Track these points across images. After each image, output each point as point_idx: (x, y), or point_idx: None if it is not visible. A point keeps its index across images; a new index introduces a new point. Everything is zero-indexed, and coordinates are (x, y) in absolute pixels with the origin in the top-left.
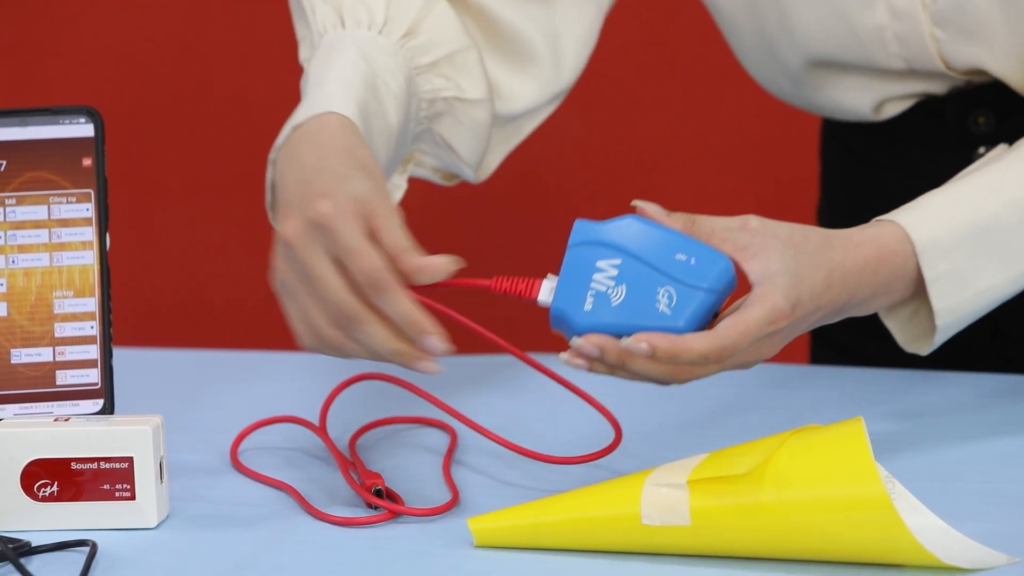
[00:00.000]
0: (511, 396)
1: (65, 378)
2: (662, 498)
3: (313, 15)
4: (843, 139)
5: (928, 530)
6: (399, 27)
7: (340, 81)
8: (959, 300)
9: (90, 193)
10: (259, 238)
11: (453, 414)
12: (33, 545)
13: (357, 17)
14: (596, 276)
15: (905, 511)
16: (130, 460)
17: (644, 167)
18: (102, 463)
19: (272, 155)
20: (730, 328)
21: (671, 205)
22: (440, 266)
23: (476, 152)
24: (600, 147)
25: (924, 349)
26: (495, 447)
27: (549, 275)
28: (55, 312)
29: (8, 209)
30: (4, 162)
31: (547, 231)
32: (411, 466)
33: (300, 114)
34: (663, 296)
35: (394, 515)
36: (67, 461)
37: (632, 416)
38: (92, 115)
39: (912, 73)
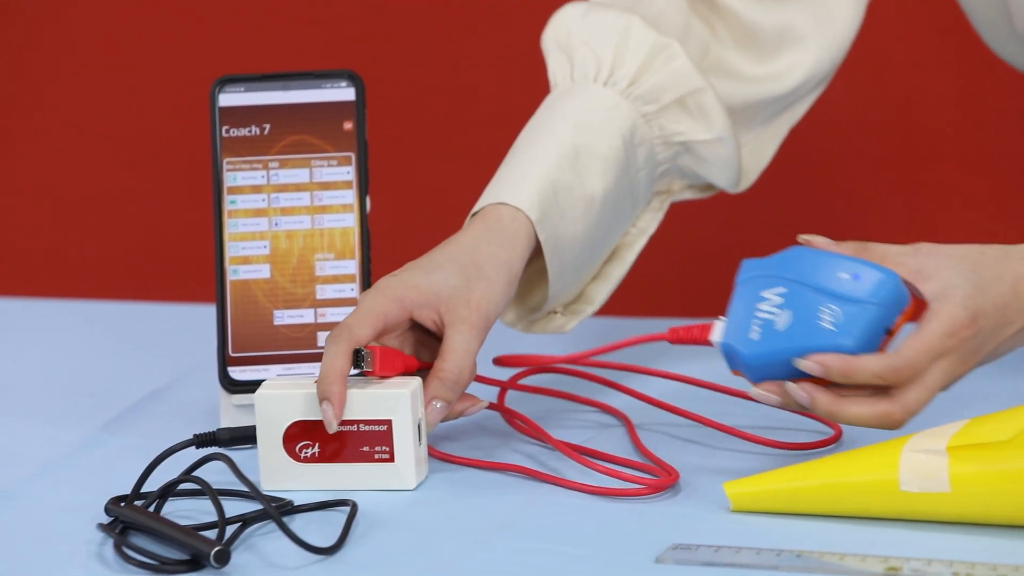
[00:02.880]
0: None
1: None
2: (921, 464)
3: (548, 62)
4: None
5: None
6: (624, 77)
7: (531, 167)
8: None
9: (351, 156)
10: None
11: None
12: (295, 504)
13: (585, 68)
14: (760, 306)
15: None
16: (388, 423)
17: (893, 146)
18: (361, 425)
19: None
20: (906, 346)
21: (927, 179)
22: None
23: (729, 179)
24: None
25: None
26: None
27: (720, 316)
28: (316, 274)
29: (271, 172)
30: (268, 125)
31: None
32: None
33: (484, 198)
34: (827, 315)
35: (666, 485)
36: None
37: None
38: (353, 79)
39: None
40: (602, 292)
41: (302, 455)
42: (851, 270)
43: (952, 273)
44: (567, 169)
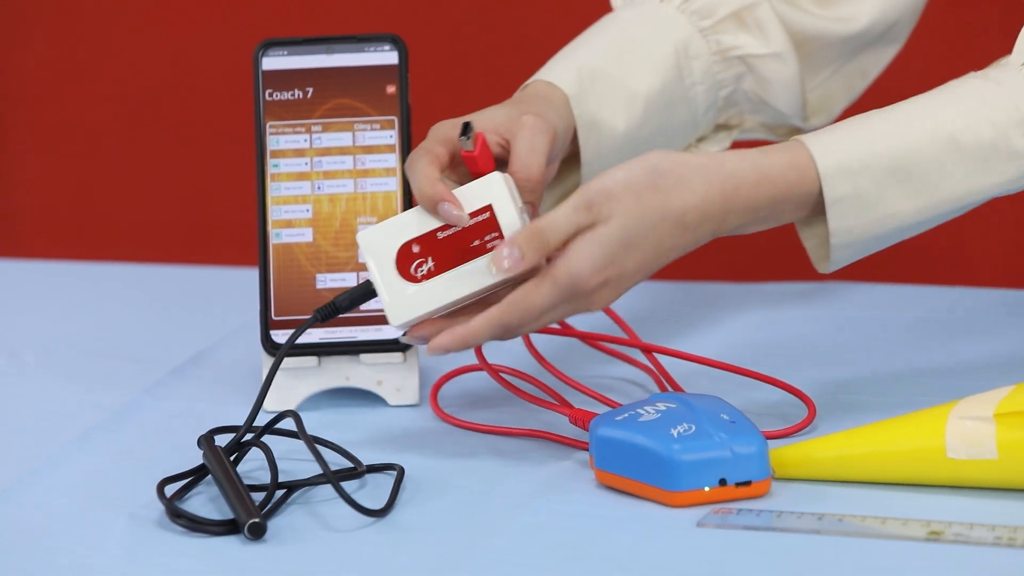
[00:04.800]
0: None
1: (369, 303)
2: (968, 431)
3: None
4: None
5: None
6: None
7: (573, 55)
8: (858, 222)
9: (394, 120)
10: None
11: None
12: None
13: None
14: (644, 407)
15: None
16: (489, 208)
17: None
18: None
19: None
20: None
21: None
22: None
23: (793, 103)
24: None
25: (824, 269)
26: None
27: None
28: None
29: (314, 136)
30: (311, 89)
31: None
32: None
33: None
34: (681, 428)
35: None
36: (432, 234)
37: (927, 354)
38: (396, 43)
39: None
40: None
41: (418, 274)
42: (733, 416)
43: None
44: (611, 62)
